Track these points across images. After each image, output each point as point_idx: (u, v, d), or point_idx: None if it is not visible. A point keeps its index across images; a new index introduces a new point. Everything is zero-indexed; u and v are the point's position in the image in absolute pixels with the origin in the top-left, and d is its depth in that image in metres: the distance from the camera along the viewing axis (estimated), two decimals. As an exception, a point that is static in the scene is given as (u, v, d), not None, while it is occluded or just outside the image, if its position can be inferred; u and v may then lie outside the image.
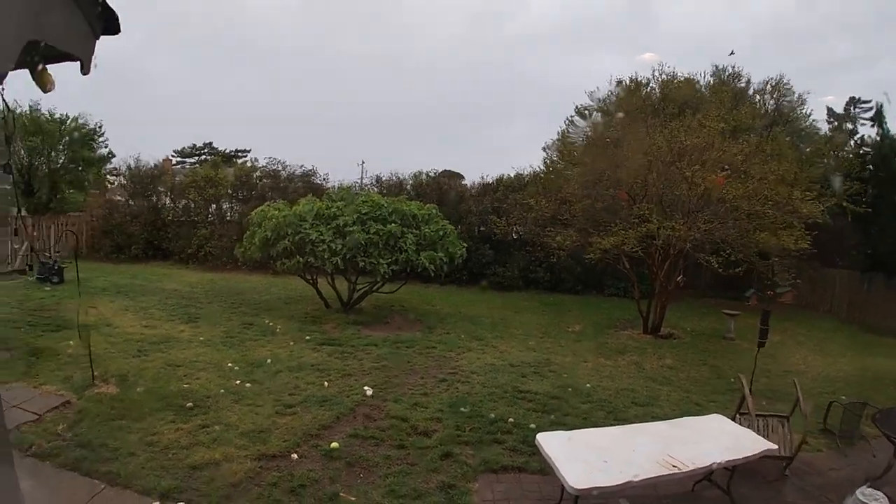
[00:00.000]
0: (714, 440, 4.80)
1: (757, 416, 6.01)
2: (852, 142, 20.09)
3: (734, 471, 4.87)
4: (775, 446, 4.87)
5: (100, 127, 21.88)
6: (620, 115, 15.44)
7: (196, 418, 6.49)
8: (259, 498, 4.94)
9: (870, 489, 4.55)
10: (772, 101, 19.54)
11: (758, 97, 19.40)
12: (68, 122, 20.58)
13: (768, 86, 19.48)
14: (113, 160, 22.81)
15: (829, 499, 5.41)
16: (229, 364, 8.55)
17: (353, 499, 5.05)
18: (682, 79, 18.75)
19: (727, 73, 19.75)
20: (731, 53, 20.12)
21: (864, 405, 7.07)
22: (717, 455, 4.51)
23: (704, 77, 19.55)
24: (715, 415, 5.59)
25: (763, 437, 5.24)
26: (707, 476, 5.15)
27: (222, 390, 7.40)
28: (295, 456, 5.76)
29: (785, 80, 19.40)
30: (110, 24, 1.99)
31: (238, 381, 7.79)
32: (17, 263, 14.60)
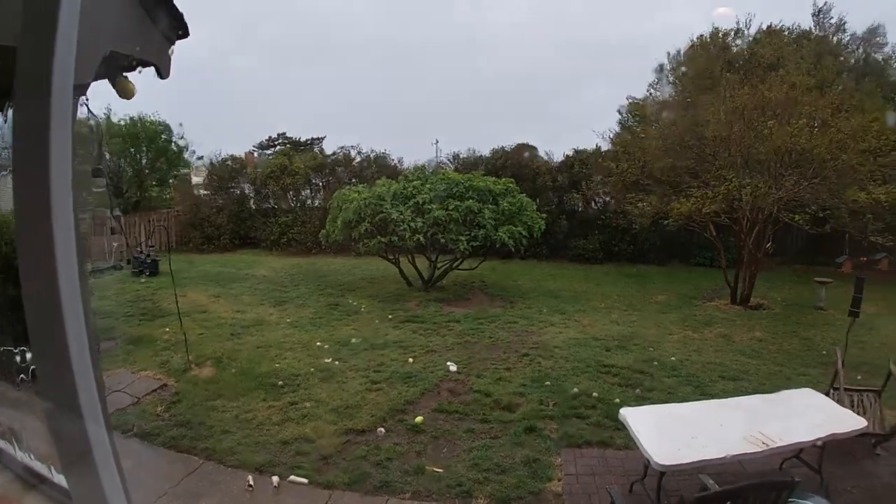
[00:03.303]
0: (805, 416, 4.64)
1: (848, 390, 5.77)
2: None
3: (825, 448, 4.68)
4: (865, 423, 4.64)
5: (168, 125, 22.37)
6: (698, 73, 14.68)
7: (287, 396, 6.82)
8: (347, 471, 5.14)
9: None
10: (861, 52, 18.31)
11: (848, 49, 18.17)
12: (147, 124, 21.23)
13: (859, 38, 18.27)
14: (194, 156, 23.49)
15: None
16: (317, 344, 8.86)
17: (441, 470, 5.17)
18: (766, 32, 17.63)
19: (830, 25, 18.52)
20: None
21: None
22: (807, 432, 4.36)
23: (794, 30, 18.33)
24: (806, 389, 5.40)
25: (856, 413, 5.04)
26: (797, 454, 4.98)
27: (311, 369, 7.71)
28: (381, 430, 5.98)
29: (882, 30, 18.12)
30: (180, 29, 2.09)
31: (326, 360, 8.08)
32: (113, 259, 15.47)
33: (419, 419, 6.18)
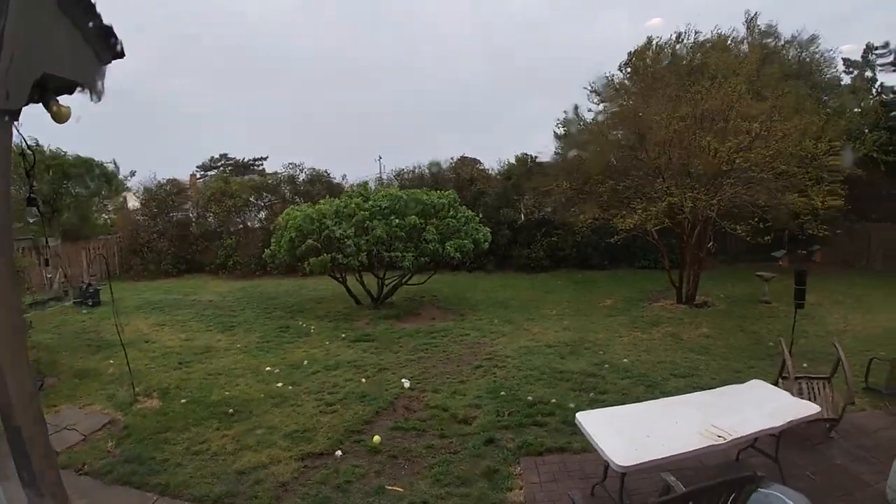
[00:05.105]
0: (756, 407, 4.74)
1: (797, 378, 5.93)
2: (874, 90, 19.50)
3: (780, 436, 4.80)
4: (818, 409, 4.76)
5: (67, 156, 21.23)
6: (635, 87, 14.86)
7: (240, 424, 6.62)
8: (307, 496, 5.02)
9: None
10: (794, 56, 18.97)
11: (783, 52, 18.77)
12: (65, 154, 20.10)
13: (795, 42, 18.95)
14: (128, 181, 22.65)
15: (878, 460, 5.25)
16: (268, 368, 8.67)
17: (402, 489, 5.11)
18: (708, 40, 17.85)
19: (758, 31, 18.99)
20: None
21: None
22: (760, 422, 4.45)
23: (733, 37, 18.68)
24: (755, 381, 5.53)
25: (806, 399, 5.18)
26: (751, 444, 5.10)
27: (263, 395, 7.52)
28: (339, 453, 5.85)
29: (816, 35, 18.85)
30: (114, 50, 2.01)
31: (278, 384, 7.90)
32: (54, 290, 14.90)
33: (377, 439, 6.08)
